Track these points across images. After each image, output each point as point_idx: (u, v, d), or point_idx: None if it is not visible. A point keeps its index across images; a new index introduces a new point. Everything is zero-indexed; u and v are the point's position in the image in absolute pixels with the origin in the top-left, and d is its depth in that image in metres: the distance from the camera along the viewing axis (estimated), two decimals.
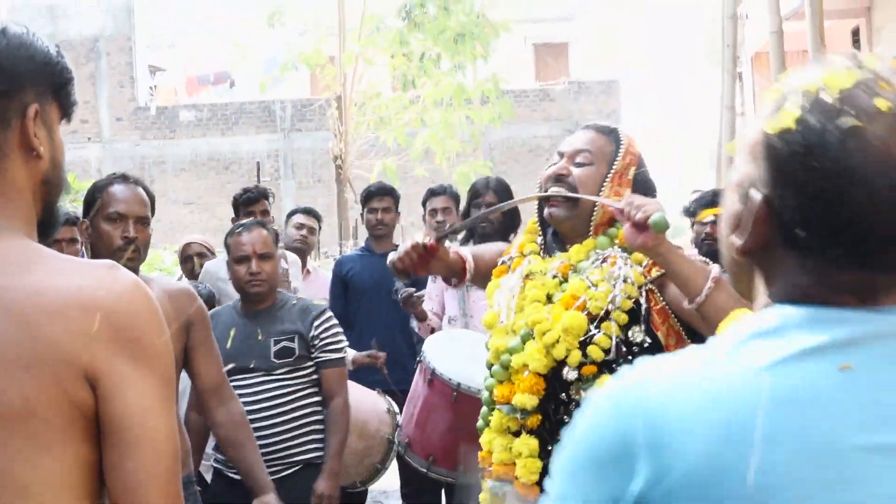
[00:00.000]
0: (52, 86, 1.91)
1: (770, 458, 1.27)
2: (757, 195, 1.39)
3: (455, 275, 3.49)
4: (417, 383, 5.58)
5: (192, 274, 6.52)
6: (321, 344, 4.90)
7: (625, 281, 3.17)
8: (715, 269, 3.07)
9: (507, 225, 6.23)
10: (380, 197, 7.15)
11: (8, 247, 1.78)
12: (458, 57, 17.74)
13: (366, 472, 5.91)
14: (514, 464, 3.19)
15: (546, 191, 3.32)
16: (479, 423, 3.43)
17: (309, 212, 7.93)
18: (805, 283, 1.38)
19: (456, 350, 5.63)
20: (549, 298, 3.27)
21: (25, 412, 1.70)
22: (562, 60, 33.69)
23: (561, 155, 3.34)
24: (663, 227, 3.03)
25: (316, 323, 4.90)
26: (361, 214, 7.31)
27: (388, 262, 3.31)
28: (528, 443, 3.16)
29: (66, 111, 1.96)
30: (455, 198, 7.10)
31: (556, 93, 30.52)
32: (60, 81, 1.93)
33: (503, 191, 6.33)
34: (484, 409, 3.40)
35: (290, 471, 4.82)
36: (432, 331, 6.19)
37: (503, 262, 3.45)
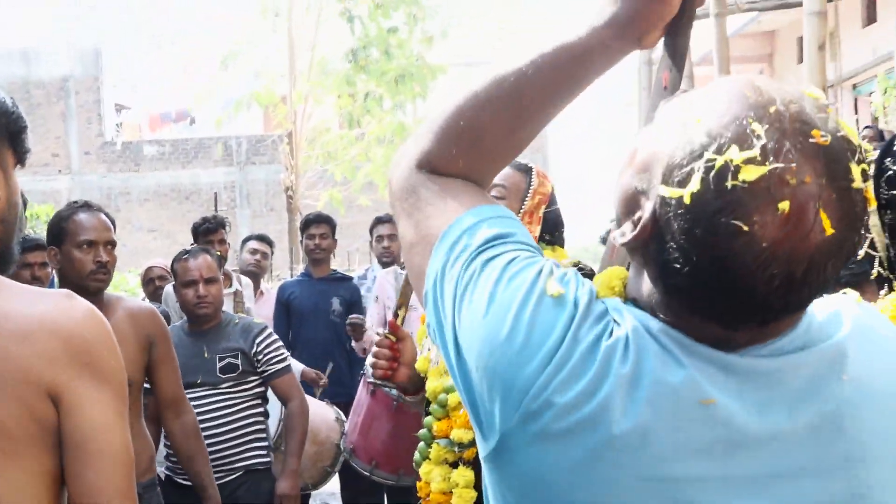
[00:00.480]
0: (9, 134, 1.90)
1: None
2: (647, 212, 1.30)
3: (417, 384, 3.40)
4: (361, 395, 5.59)
5: (153, 295, 6.50)
6: (266, 359, 4.88)
7: None
8: None
9: None
10: (317, 224, 7.15)
11: None
12: (398, 97, 17.82)
13: (317, 475, 5.91)
14: (451, 493, 3.16)
15: None
16: (417, 456, 3.40)
17: (262, 238, 7.89)
18: (670, 307, 1.32)
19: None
20: None
21: None
22: None
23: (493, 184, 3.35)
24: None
25: (258, 340, 4.88)
26: (301, 241, 7.30)
27: (376, 384, 3.31)
28: (465, 474, 3.12)
29: (20, 157, 1.95)
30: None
31: None
32: (16, 129, 1.92)
33: None
34: (422, 444, 3.35)
35: (233, 476, 4.78)
36: (364, 350, 6.22)
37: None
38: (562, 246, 3.36)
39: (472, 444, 3.11)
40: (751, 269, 1.21)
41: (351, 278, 7.37)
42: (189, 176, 30.15)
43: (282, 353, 4.96)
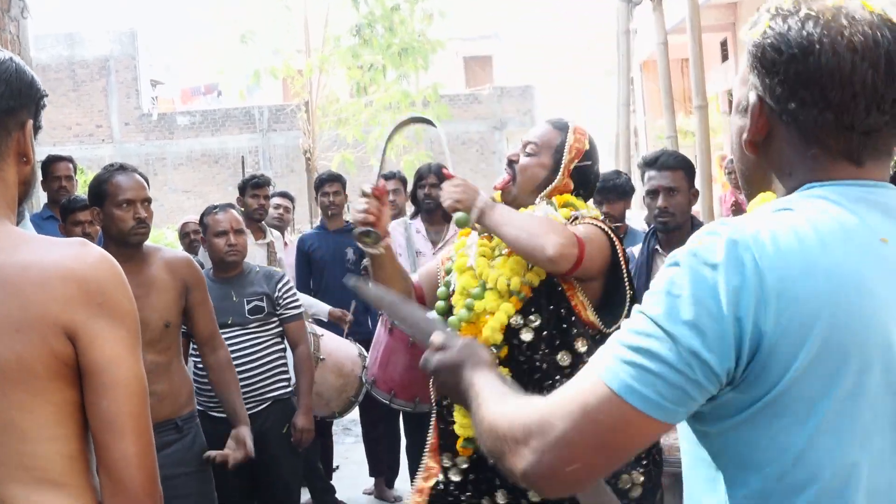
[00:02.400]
0: (37, 107, 1.94)
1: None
2: (753, 95, 1.47)
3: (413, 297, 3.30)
4: (379, 332, 5.56)
5: (189, 247, 6.45)
6: (284, 303, 4.92)
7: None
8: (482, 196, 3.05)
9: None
10: (330, 182, 7.13)
11: (1, 231, 1.83)
12: (402, 68, 17.72)
13: (343, 404, 5.97)
14: None
15: (507, 163, 3.26)
16: None
17: (284, 195, 7.89)
18: (807, 164, 1.45)
19: (411, 304, 5.58)
20: (493, 253, 3.16)
21: (20, 367, 1.74)
22: (487, 70, 33.70)
23: (522, 143, 3.25)
24: (462, 224, 3.14)
25: (279, 286, 4.92)
26: (316, 198, 7.27)
27: (357, 232, 3.15)
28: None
29: (36, 130, 1.97)
30: (403, 181, 7.17)
31: (482, 97, 30.56)
32: (41, 104, 1.96)
33: (441, 174, 6.29)
34: None
35: (262, 406, 4.83)
36: None
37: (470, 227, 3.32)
38: (585, 199, 3.25)
39: (502, 346, 3.01)
40: (845, 71, 1.37)
41: None
42: (217, 142, 30.13)
43: (297, 300, 5.01)
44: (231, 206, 5.10)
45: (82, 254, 1.82)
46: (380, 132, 17.93)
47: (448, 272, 3.32)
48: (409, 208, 6.92)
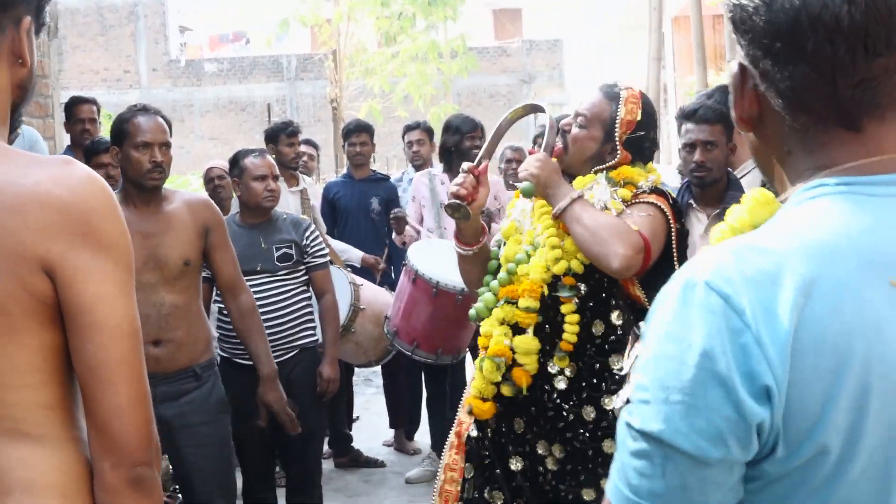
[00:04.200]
0: (38, 2, 1.70)
1: None
2: (734, 66, 1.24)
3: (475, 235, 3.27)
4: (403, 282, 5.50)
5: (213, 192, 6.37)
6: (312, 251, 4.82)
7: (605, 207, 3.01)
8: (575, 192, 3.00)
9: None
10: (357, 133, 7.06)
11: None
12: (431, 17, 17.55)
13: (381, 352, 5.98)
14: (511, 349, 3.01)
15: (560, 133, 3.21)
16: (472, 313, 3.24)
17: (309, 142, 7.81)
18: (800, 141, 1.21)
19: (435, 255, 5.55)
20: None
21: None
22: (516, 23, 33.42)
23: (575, 112, 3.20)
24: (527, 194, 3.12)
25: (307, 234, 4.82)
26: (343, 146, 7.21)
27: (448, 202, 3.15)
28: (529, 342, 2.98)
29: (39, 29, 1.73)
30: (428, 131, 7.09)
31: (511, 49, 30.39)
32: (45, 2, 1.71)
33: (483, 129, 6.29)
34: (481, 304, 3.19)
35: (290, 354, 4.74)
36: (402, 243, 6.10)
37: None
38: (644, 164, 3.21)
39: (537, 311, 2.99)
40: (813, 8, 1.13)
41: (388, 178, 7.35)
42: (245, 90, 30.09)
43: (324, 250, 4.92)
44: (265, 151, 5.01)
45: (65, 174, 1.58)
46: (407, 83, 17.82)
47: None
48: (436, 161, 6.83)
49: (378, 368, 7.06)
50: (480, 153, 3.31)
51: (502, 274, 3.12)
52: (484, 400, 3.04)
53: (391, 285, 6.29)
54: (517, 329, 3.02)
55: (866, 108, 1.17)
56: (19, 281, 1.54)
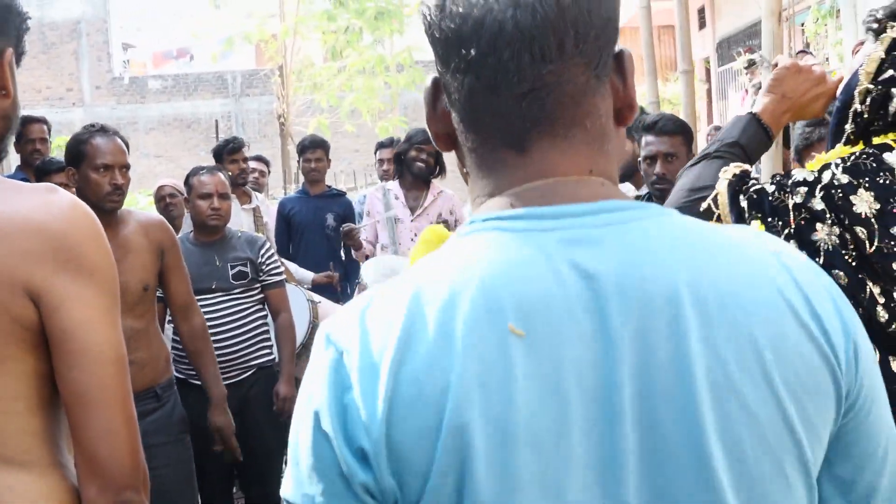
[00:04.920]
0: (17, 33, 1.70)
1: None
2: (428, 80, 1.14)
3: None
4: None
5: (165, 211, 6.34)
6: (267, 269, 4.79)
7: None
8: None
9: (433, 170, 6.21)
10: (313, 149, 7.10)
11: None
12: (377, 32, 17.57)
13: None
14: None
15: None
16: None
17: (260, 158, 7.92)
18: (474, 165, 1.09)
19: (388, 273, 5.54)
20: None
21: None
22: None
23: None
24: None
25: (262, 251, 4.79)
26: (298, 162, 7.23)
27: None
28: None
29: (19, 58, 1.73)
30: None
31: None
32: (23, 29, 1.72)
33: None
34: None
35: (247, 374, 4.72)
36: (366, 257, 6.10)
37: None
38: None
39: None
40: (475, 11, 1.03)
41: (344, 194, 7.37)
42: (190, 107, 29.88)
43: (279, 267, 4.89)
44: (219, 168, 4.98)
45: (50, 202, 1.60)
46: (354, 97, 17.81)
47: None
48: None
49: None
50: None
51: None
52: None
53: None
54: None
55: (534, 124, 1.04)
56: (3, 308, 1.53)
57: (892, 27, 2.24)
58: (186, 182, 4.89)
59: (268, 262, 4.78)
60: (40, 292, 1.55)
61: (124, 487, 1.59)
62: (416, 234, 6.10)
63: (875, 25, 2.25)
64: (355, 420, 0.97)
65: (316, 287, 6.37)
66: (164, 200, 6.46)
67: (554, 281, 0.99)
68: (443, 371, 0.96)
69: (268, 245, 4.87)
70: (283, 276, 4.94)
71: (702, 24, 18.19)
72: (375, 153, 7.27)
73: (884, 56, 2.21)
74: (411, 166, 6.12)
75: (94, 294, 1.59)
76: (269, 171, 7.95)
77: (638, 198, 4.44)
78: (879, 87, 2.20)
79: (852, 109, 2.25)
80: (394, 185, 6.31)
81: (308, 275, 6.48)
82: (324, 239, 6.86)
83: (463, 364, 0.95)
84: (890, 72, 2.21)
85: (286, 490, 1.04)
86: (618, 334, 0.98)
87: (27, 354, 1.58)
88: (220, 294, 4.65)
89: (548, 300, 0.98)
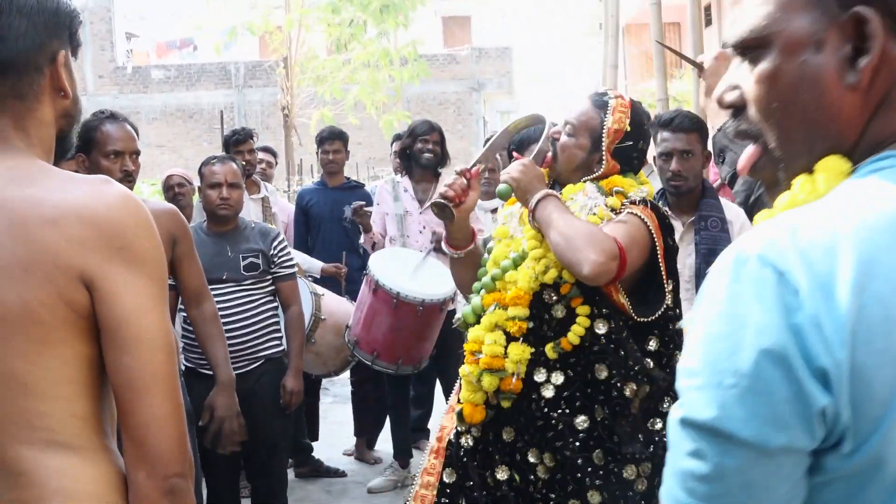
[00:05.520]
0: (70, 32, 1.78)
1: None
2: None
3: (464, 238, 3.22)
4: (364, 292, 5.50)
5: (173, 200, 6.33)
6: (279, 261, 4.78)
7: (591, 212, 2.97)
8: (546, 190, 2.99)
9: (442, 159, 6.26)
10: (331, 140, 7.07)
11: (19, 164, 1.67)
12: (382, 25, 17.54)
13: (341, 363, 5.97)
14: (505, 357, 2.95)
15: (551, 141, 3.16)
16: (459, 316, 3.21)
17: (267, 149, 7.88)
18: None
19: (396, 265, 5.56)
20: None
21: (23, 313, 1.59)
22: (465, 30, 33.50)
23: (564, 121, 3.14)
24: (503, 196, 3.10)
25: (274, 244, 4.78)
26: (317, 153, 7.22)
27: (434, 200, 3.12)
28: (522, 350, 2.92)
29: (75, 50, 1.81)
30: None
31: (460, 57, 30.43)
32: (76, 27, 1.80)
33: (441, 132, 6.36)
34: (468, 310, 3.16)
35: (255, 365, 4.69)
36: (373, 245, 6.09)
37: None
38: (634, 174, 3.16)
39: (527, 318, 2.95)
40: None
41: (362, 185, 7.40)
42: (192, 97, 29.90)
43: (292, 260, 4.88)
44: (231, 158, 4.97)
45: (103, 192, 1.65)
46: (359, 90, 17.79)
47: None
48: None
49: (336, 377, 7.03)
50: (476, 157, 3.24)
51: (487, 279, 3.08)
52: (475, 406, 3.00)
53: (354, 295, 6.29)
54: (508, 335, 2.97)
55: None
56: (56, 291, 1.59)
57: None
58: (200, 171, 4.89)
59: (280, 254, 4.78)
60: (94, 279, 1.60)
61: (171, 474, 1.63)
62: (424, 227, 6.10)
63: None
64: (813, 340, 0.96)
65: (323, 278, 6.38)
66: (172, 190, 6.46)
67: None
68: None
69: (281, 237, 4.85)
70: (295, 269, 4.93)
71: (708, 22, 18.19)
72: (392, 144, 7.29)
73: None
74: (419, 158, 6.16)
75: (145, 283, 1.64)
76: (277, 162, 7.93)
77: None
78: None
79: None
80: (403, 179, 6.32)
81: (317, 264, 6.48)
82: (342, 230, 6.85)
83: None
84: None
85: (702, 413, 1.01)
86: None
87: (78, 340, 1.62)
88: (231, 284, 4.65)
89: None
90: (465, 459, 3.04)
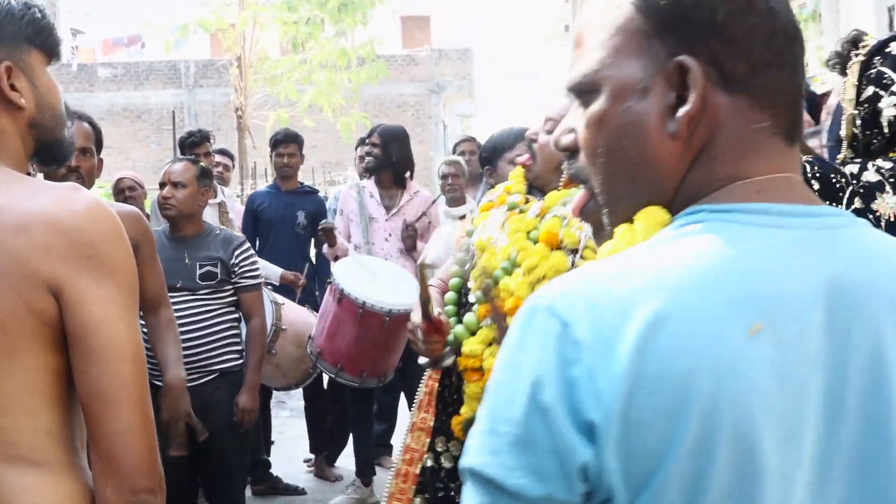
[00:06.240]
0: (25, 37, 1.75)
1: None
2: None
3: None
4: (328, 301, 5.44)
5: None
6: (241, 271, 4.68)
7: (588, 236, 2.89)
8: None
9: (384, 162, 6.24)
10: (286, 143, 6.98)
11: None
12: (340, 24, 17.48)
13: (301, 375, 5.91)
14: None
15: (528, 144, 3.10)
16: (451, 337, 3.13)
17: (224, 152, 7.83)
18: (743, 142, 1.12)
19: (362, 273, 5.50)
20: (528, 235, 3.00)
21: None
22: (425, 31, 33.52)
23: (543, 119, 3.06)
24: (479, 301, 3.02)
25: (237, 252, 4.68)
26: (270, 156, 7.12)
27: (423, 362, 3.07)
28: None
29: (51, 53, 1.80)
30: None
31: (419, 58, 30.49)
32: (33, 30, 1.77)
33: (387, 134, 6.31)
34: (460, 329, 3.08)
35: (208, 378, 4.59)
36: (336, 258, 6.05)
37: (489, 200, 3.18)
38: None
39: None
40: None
41: (317, 191, 7.30)
42: (140, 97, 29.72)
43: (256, 270, 4.78)
44: (191, 160, 4.89)
45: (71, 199, 1.65)
46: (315, 91, 17.71)
47: (466, 246, 3.21)
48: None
49: (293, 391, 6.96)
50: (421, 307, 3.05)
51: (479, 293, 3.01)
52: None
53: (314, 305, 6.20)
54: None
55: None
56: (22, 300, 1.58)
57: (856, 53, 2.34)
58: None
59: (242, 263, 4.69)
60: (62, 288, 1.60)
61: (140, 489, 1.61)
62: (390, 234, 6.06)
63: (838, 60, 2.40)
64: (584, 393, 0.98)
65: (280, 286, 6.31)
66: (123, 194, 6.34)
67: (796, 278, 1.05)
68: (691, 352, 0.98)
69: (245, 246, 4.76)
70: (260, 280, 4.84)
71: None
72: (356, 148, 7.26)
73: (857, 82, 2.35)
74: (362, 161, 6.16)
75: (114, 292, 1.64)
76: (234, 166, 7.86)
77: None
78: (865, 106, 2.33)
79: (845, 137, 2.38)
80: (368, 183, 6.26)
81: (276, 271, 6.41)
82: (294, 237, 6.79)
83: (712, 350, 0.98)
84: (870, 88, 2.34)
85: (475, 459, 1.04)
86: (847, 334, 1.05)
87: (45, 350, 1.62)
88: (185, 294, 4.56)
89: (790, 296, 1.03)
90: (445, 481, 2.98)
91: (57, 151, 1.84)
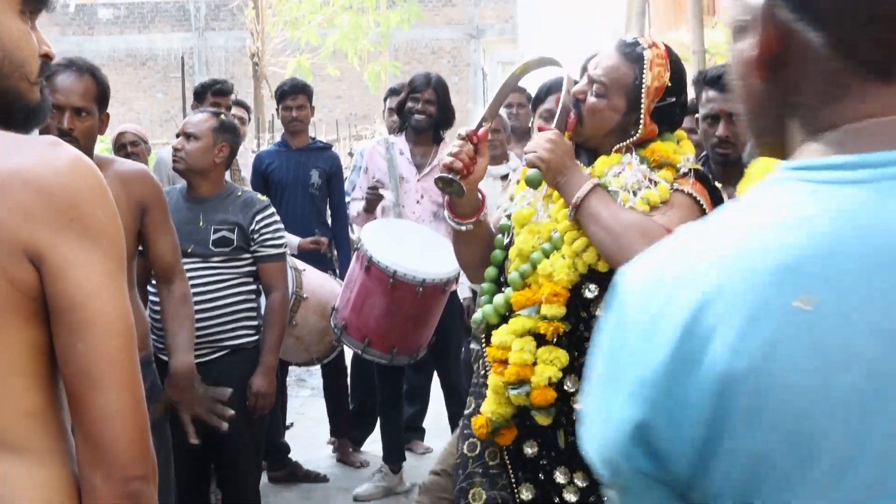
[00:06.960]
0: None
1: None
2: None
3: (472, 207, 3.12)
4: (354, 269, 5.45)
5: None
6: (261, 238, 4.66)
7: (641, 197, 2.89)
8: (591, 182, 2.89)
9: (440, 119, 6.13)
10: (293, 94, 6.93)
11: None
12: None
13: (325, 349, 5.93)
14: (534, 366, 2.89)
15: (574, 102, 3.05)
16: (478, 317, 3.13)
17: (239, 103, 7.69)
18: (827, 89, 1.10)
19: (392, 239, 5.51)
20: None
21: None
22: None
23: (588, 77, 3.02)
24: (533, 183, 2.99)
25: (258, 217, 4.66)
26: (277, 110, 7.10)
27: (438, 175, 3.04)
28: (556, 354, 2.87)
29: (37, 10, 1.77)
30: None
31: None
32: None
33: (442, 87, 6.22)
34: (489, 309, 3.09)
35: (217, 354, 4.61)
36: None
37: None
38: (672, 132, 3.09)
39: (564, 318, 2.89)
40: None
41: (330, 147, 7.23)
42: (145, 41, 29.73)
43: (279, 239, 4.75)
44: (215, 112, 4.86)
45: (51, 155, 1.61)
46: (338, 36, 17.69)
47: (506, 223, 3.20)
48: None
49: (314, 367, 7.02)
50: (481, 115, 3.12)
51: (514, 275, 2.99)
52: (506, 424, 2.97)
53: (335, 272, 6.24)
54: (539, 338, 2.91)
55: None
56: (0, 270, 1.55)
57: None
58: None
59: (263, 230, 4.66)
60: (43, 255, 1.57)
61: (132, 476, 1.60)
62: (422, 196, 6.07)
63: None
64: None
65: (301, 254, 6.31)
66: (124, 149, 6.37)
67: (861, 241, 1.03)
68: (733, 334, 1.02)
69: (268, 211, 4.73)
70: (283, 250, 4.80)
71: None
72: (385, 100, 7.22)
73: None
74: (409, 118, 6.11)
75: (101, 258, 1.61)
76: (250, 119, 7.87)
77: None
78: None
79: None
80: (398, 139, 6.26)
81: (293, 240, 6.39)
82: (308, 198, 6.75)
83: (753, 326, 1.02)
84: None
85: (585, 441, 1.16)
86: None
87: (25, 324, 1.59)
88: (196, 260, 4.56)
89: (846, 262, 1.03)
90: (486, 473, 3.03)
91: (21, 110, 1.78)
